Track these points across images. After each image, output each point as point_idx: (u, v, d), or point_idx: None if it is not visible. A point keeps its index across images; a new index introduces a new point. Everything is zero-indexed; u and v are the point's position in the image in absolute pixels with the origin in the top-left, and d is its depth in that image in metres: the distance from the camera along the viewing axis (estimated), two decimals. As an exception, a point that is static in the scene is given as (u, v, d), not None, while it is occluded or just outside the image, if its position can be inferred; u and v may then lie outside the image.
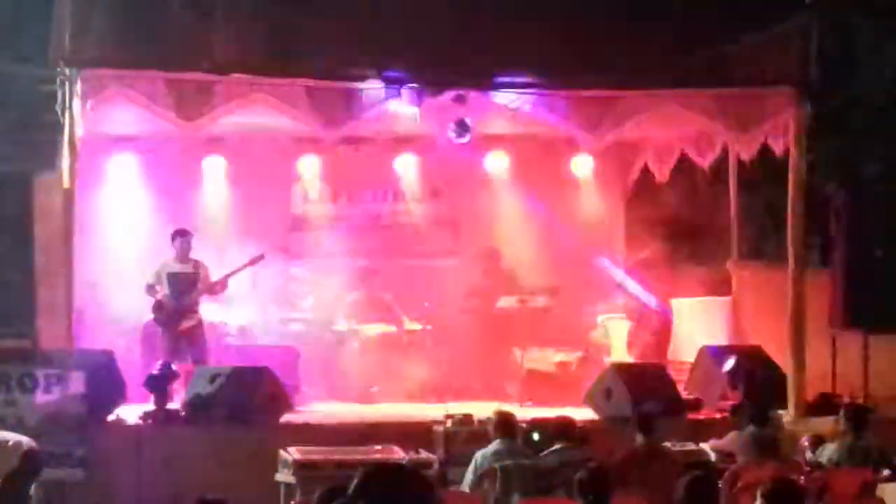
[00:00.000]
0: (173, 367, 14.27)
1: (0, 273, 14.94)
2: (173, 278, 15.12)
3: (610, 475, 8.81)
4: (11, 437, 11.16)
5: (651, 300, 16.47)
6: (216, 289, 15.28)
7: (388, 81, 13.85)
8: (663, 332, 16.84)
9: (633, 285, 16.57)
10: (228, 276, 15.25)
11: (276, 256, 16.40)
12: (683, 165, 16.88)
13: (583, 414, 13.95)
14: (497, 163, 17.40)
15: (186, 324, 15.09)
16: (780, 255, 14.70)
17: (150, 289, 15.15)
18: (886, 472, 11.06)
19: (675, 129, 16.13)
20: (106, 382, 13.80)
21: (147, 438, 13.28)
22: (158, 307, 15.08)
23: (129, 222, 16.41)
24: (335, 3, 13.73)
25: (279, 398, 14.01)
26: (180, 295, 15.08)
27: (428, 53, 13.85)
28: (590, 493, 8.90)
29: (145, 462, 13.04)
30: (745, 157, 15.12)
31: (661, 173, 17.31)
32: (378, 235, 17.62)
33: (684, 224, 16.99)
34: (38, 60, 13.86)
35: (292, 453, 12.24)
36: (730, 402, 14.28)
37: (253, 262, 15.35)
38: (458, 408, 13.67)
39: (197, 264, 15.27)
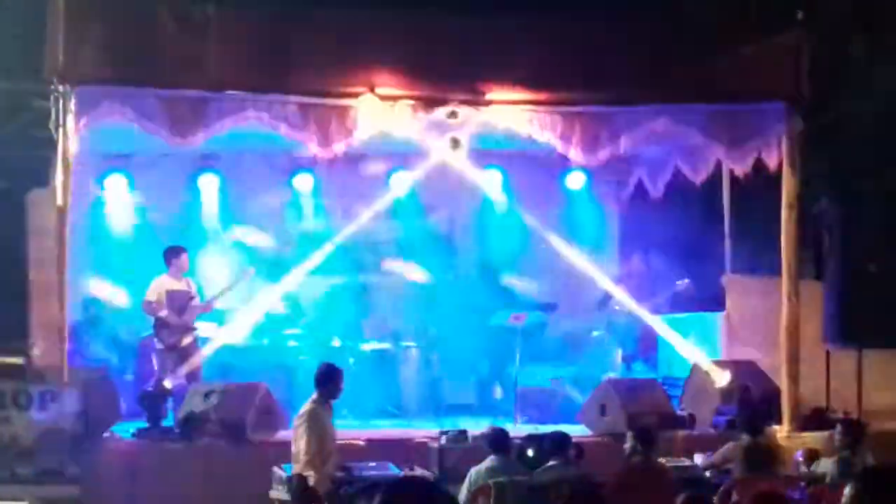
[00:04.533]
0: (167, 384, 14.29)
1: (-6, 290, 14.95)
2: (172, 296, 15.11)
3: (600, 491, 8.79)
4: None
5: (644, 315, 16.47)
6: (206, 308, 15.28)
7: (382, 98, 13.86)
8: (651, 346, 16.87)
9: (626, 300, 16.56)
10: (217, 296, 15.25)
11: (270, 273, 16.39)
12: (677, 180, 16.90)
13: (577, 430, 13.95)
14: (492, 178, 17.40)
15: (185, 341, 15.09)
16: (773, 270, 14.71)
17: (149, 306, 15.12)
18: None
19: (668, 144, 16.15)
20: (100, 399, 13.80)
21: (141, 455, 13.27)
22: (162, 325, 15.04)
23: (123, 239, 16.42)
24: (328, 20, 13.75)
25: (273, 414, 14.01)
26: (180, 313, 15.07)
27: (422, 70, 13.87)
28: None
29: (139, 479, 13.02)
30: (739, 172, 15.14)
31: (655, 188, 17.34)
32: (374, 251, 17.61)
33: (678, 239, 17.00)
34: (31, 77, 13.86)
35: (286, 470, 12.23)
36: (724, 418, 14.29)
37: (239, 280, 15.35)
38: (453, 424, 13.67)
39: (188, 282, 15.29)
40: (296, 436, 12.17)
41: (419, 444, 13.26)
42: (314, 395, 12.31)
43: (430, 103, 14.01)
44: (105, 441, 13.49)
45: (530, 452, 11.99)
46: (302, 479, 11.26)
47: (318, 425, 12.08)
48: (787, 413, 14.21)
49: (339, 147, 14.03)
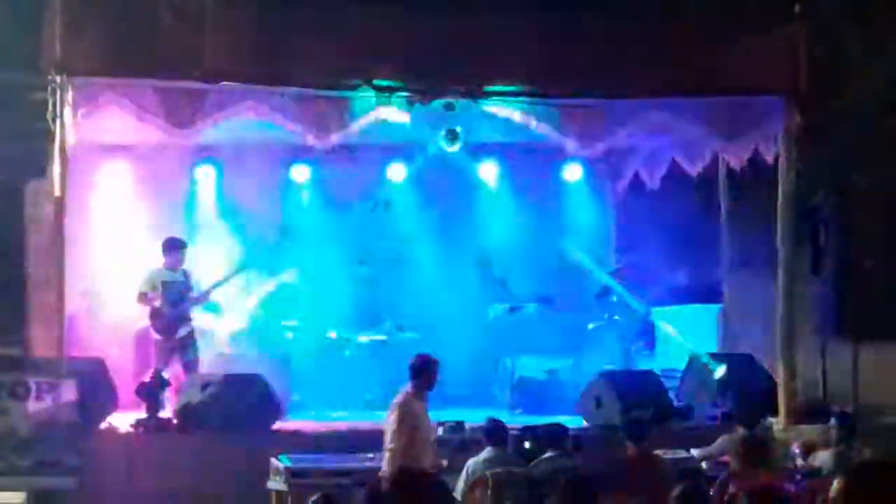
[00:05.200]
0: (165, 374, 14.30)
1: (-9, 282, 14.94)
2: (168, 287, 15.12)
3: (595, 482, 8.80)
4: None
5: (639, 306, 16.51)
6: (203, 299, 15.29)
7: (379, 90, 13.86)
8: (649, 338, 16.87)
9: (621, 292, 16.60)
10: (214, 287, 15.26)
11: (267, 264, 16.41)
12: (674, 173, 16.91)
13: (574, 422, 13.97)
14: (488, 170, 17.41)
15: (181, 332, 15.11)
16: (770, 263, 14.73)
17: (143, 297, 15.14)
18: None
19: (665, 137, 16.15)
20: (98, 390, 13.83)
21: (139, 446, 13.29)
22: (156, 315, 15.06)
23: (121, 230, 16.43)
24: (326, 12, 13.73)
25: (271, 406, 14.03)
26: (176, 303, 15.09)
27: (418, 62, 13.86)
28: (574, 500, 8.86)
29: (137, 470, 13.04)
30: (736, 165, 15.15)
31: (652, 181, 17.35)
32: (370, 243, 17.61)
33: (675, 231, 17.02)
34: (28, 68, 13.84)
35: (284, 461, 12.24)
36: (720, 410, 14.32)
37: (236, 272, 15.37)
38: (450, 415, 13.69)
39: (186, 273, 15.29)
40: (385, 426, 11.88)
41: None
42: (408, 387, 11.93)
43: (427, 95, 14.01)
44: (103, 432, 13.52)
45: (527, 444, 12.01)
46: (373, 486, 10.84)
47: (410, 418, 11.73)
48: (784, 406, 14.22)
49: (335, 138, 14.05)
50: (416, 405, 11.87)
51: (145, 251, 15.74)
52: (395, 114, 14.14)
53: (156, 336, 15.09)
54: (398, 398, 11.94)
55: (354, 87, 13.85)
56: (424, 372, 12.00)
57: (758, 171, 14.98)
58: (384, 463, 11.67)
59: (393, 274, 17.32)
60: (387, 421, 11.87)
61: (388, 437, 11.77)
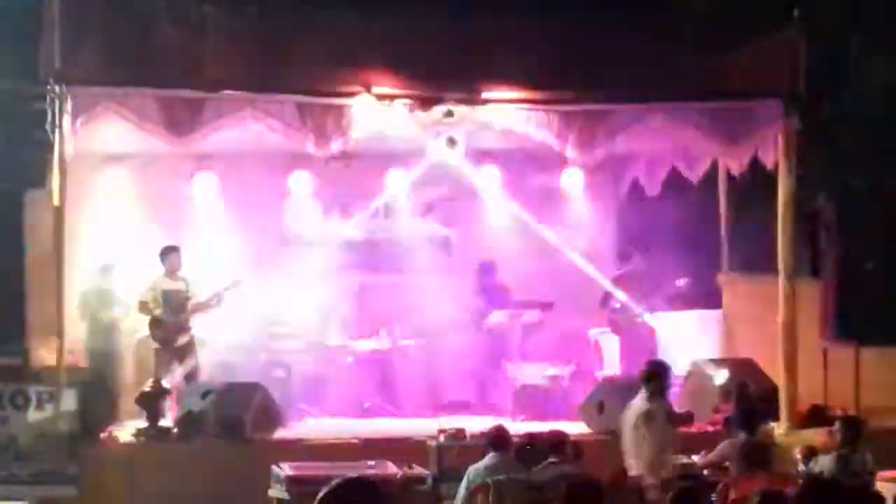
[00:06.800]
0: (165, 383, 14.30)
1: (-9, 291, 14.96)
2: (167, 296, 15.13)
3: (598, 488, 8.79)
4: None
5: (640, 313, 16.48)
6: (207, 307, 15.28)
7: (378, 97, 13.86)
8: (651, 344, 16.82)
9: (622, 298, 16.58)
10: (215, 295, 15.24)
11: (268, 273, 16.39)
12: (674, 178, 16.91)
13: (576, 428, 13.96)
14: (488, 177, 17.39)
15: (181, 340, 15.11)
16: (770, 268, 14.72)
17: (144, 306, 15.15)
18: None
19: (665, 142, 16.15)
20: (98, 400, 13.81)
21: (139, 455, 13.28)
22: (156, 325, 15.08)
23: (121, 240, 16.40)
24: (325, 20, 13.75)
25: (271, 414, 14.03)
26: (175, 312, 15.09)
27: (418, 69, 13.87)
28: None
29: (138, 479, 13.03)
30: (735, 170, 15.16)
31: (652, 186, 17.34)
32: (370, 251, 17.61)
33: (675, 237, 17.01)
34: (28, 78, 13.86)
35: (285, 469, 12.22)
36: (722, 416, 14.30)
37: (236, 281, 15.37)
38: (451, 423, 13.68)
39: (187, 282, 15.29)
40: (635, 437, 11.91)
41: (417, 443, 13.27)
42: (643, 393, 12.06)
43: (426, 102, 14.02)
44: (103, 441, 13.51)
45: (529, 450, 11.99)
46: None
47: (654, 426, 11.85)
48: (785, 411, 14.21)
49: (335, 146, 14.05)
50: (656, 412, 11.91)
51: (145, 260, 15.71)
52: (394, 121, 14.14)
53: (156, 345, 15.10)
54: (635, 406, 12.01)
55: (354, 95, 13.84)
56: (655, 378, 12.08)
57: (758, 175, 14.97)
58: (646, 476, 11.63)
59: (394, 281, 17.30)
60: (630, 431, 11.94)
61: (643, 452, 11.83)
